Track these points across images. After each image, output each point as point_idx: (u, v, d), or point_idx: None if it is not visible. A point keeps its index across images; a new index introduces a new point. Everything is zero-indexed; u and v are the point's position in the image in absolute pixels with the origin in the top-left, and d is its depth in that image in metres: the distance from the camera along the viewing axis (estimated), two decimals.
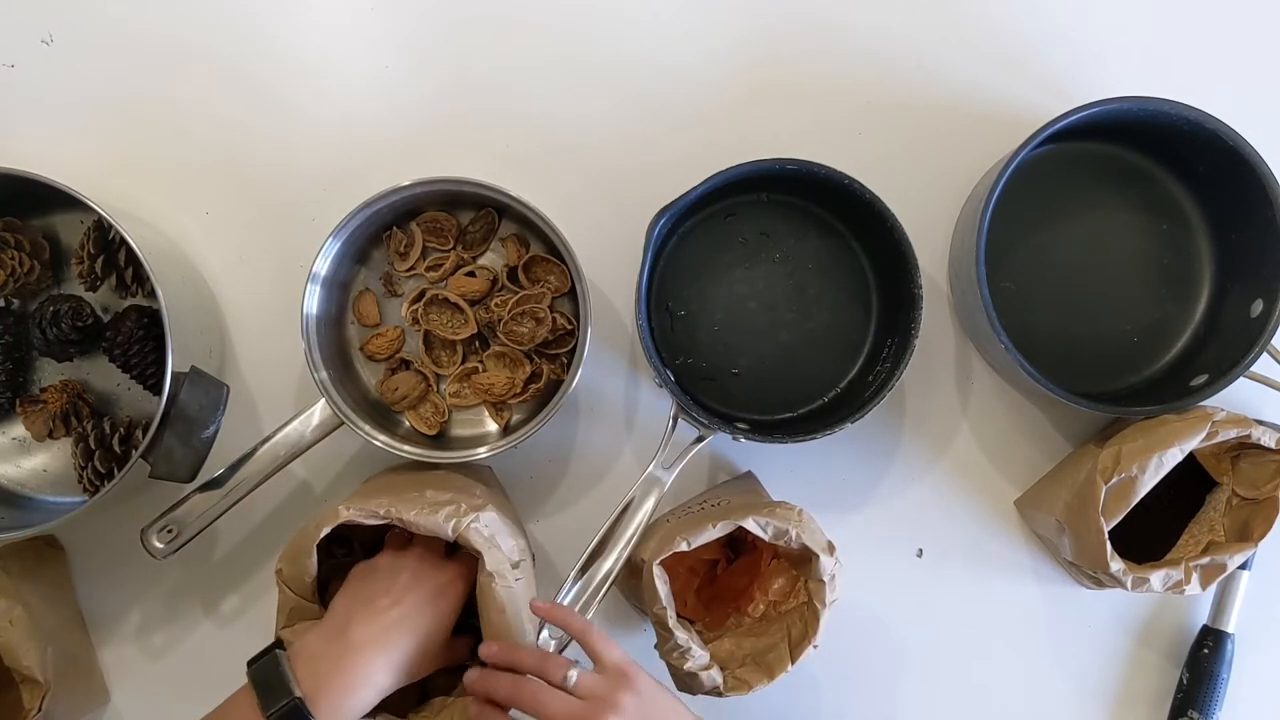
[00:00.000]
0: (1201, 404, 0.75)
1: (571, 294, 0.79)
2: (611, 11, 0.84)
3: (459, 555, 0.70)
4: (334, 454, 0.83)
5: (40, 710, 0.71)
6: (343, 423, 0.74)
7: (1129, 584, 0.73)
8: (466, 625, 0.70)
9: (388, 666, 0.62)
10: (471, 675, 0.64)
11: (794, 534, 0.68)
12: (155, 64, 0.83)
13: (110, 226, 0.72)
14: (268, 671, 0.60)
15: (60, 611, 0.80)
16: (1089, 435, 0.84)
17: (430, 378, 0.80)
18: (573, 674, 0.61)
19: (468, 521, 0.66)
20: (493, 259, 0.82)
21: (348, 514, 0.65)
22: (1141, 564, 0.74)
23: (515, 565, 0.69)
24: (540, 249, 0.81)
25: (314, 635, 0.63)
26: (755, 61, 0.84)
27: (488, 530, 0.67)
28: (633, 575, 0.74)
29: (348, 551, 0.75)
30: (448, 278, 0.80)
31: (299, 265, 0.76)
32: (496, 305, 0.79)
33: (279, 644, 0.63)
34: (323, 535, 0.65)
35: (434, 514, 0.66)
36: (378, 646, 0.62)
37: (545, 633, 0.71)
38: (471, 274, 0.80)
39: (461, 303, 0.79)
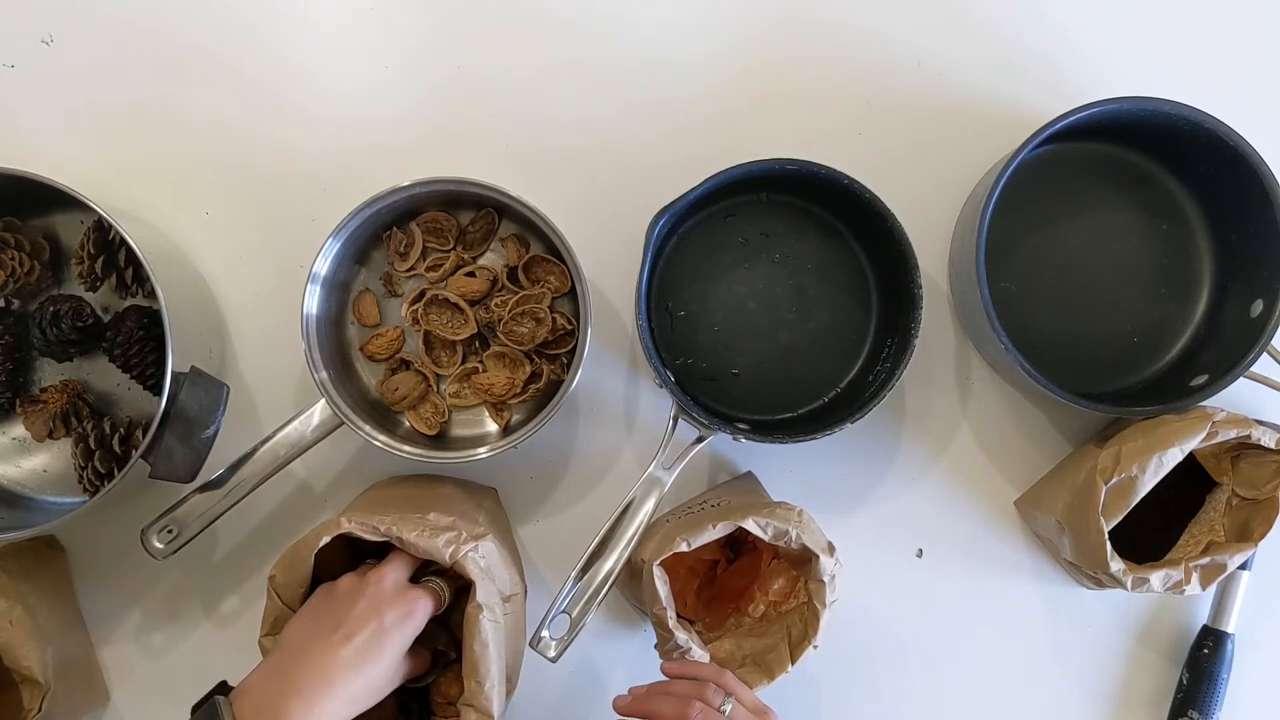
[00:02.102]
0: (1201, 404, 0.75)
1: (571, 294, 0.79)
2: (612, 12, 0.84)
3: (424, 583, 0.68)
4: (334, 454, 0.83)
5: (40, 710, 0.71)
6: (343, 423, 0.74)
7: (1129, 584, 0.73)
8: (433, 636, 0.70)
9: (334, 707, 0.59)
10: (623, 699, 0.65)
11: (794, 534, 0.68)
12: (155, 64, 0.83)
13: (110, 226, 0.72)
14: (213, 716, 0.57)
15: (60, 611, 0.80)
16: (1089, 435, 0.84)
17: (430, 378, 0.80)
18: (729, 705, 0.62)
19: (466, 550, 0.66)
20: (493, 259, 0.82)
21: (348, 526, 0.65)
22: (1141, 564, 0.74)
23: (507, 599, 0.69)
24: (540, 249, 0.81)
25: (260, 673, 0.61)
26: (756, 62, 0.84)
27: (484, 561, 0.67)
28: (633, 575, 0.74)
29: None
30: (448, 278, 0.80)
31: (299, 265, 0.76)
32: (496, 305, 0.79)
33: (221, 688, 0.60)
34: (321, 545, 0.65)
35: (434, 538, 0.66)
36: (324, 689, 0.59)
37: (546, 633, 0.71)
38: (471, 274, 0.80)
39: (461, 303, 0.79)
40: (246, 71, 0.83)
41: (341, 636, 0.61)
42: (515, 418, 0.81)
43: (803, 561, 0.71)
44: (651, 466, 0.74)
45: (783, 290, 0.82)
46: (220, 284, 0.83)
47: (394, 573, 0.65)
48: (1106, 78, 0.84)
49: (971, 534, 0.85)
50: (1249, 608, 0.82)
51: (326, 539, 0.65)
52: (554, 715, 0.84)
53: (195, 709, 0.59)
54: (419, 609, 0.64)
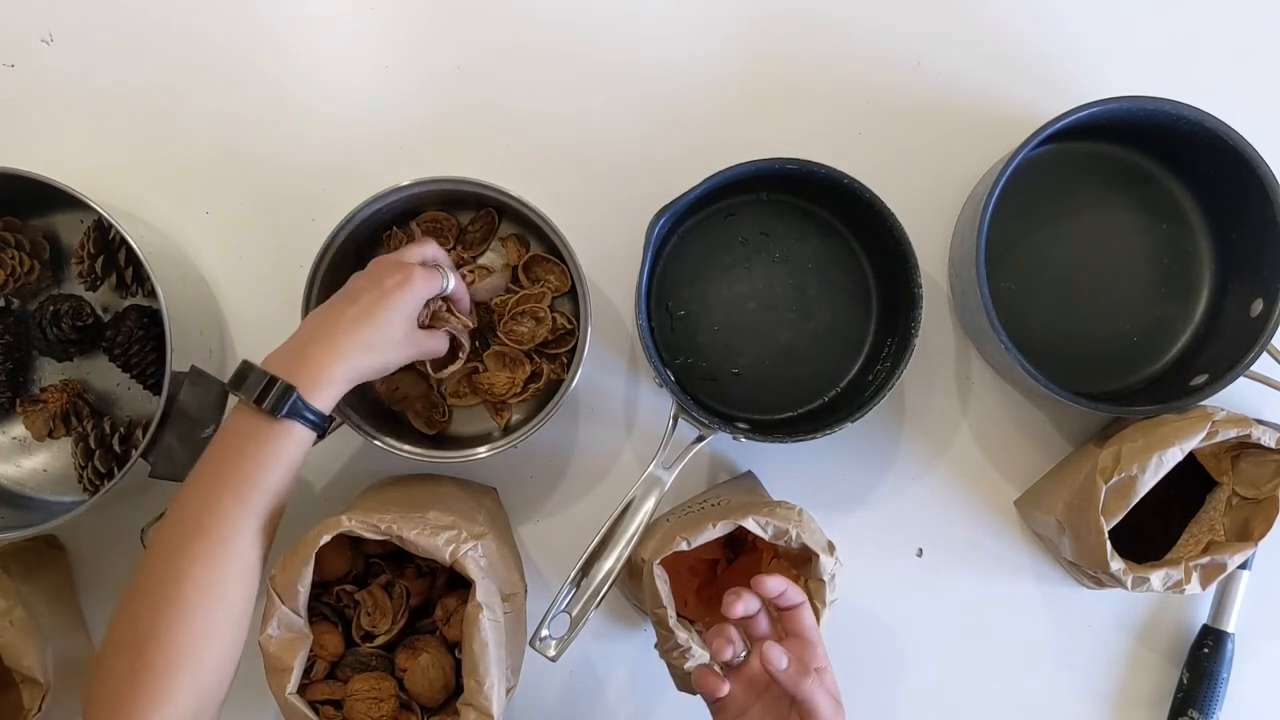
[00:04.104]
0: (1201, 404, 0.75)
1: (572, 294, 0.79)
2: (613, 11, 0.84)
3: (421, 263, 0.71)
4: (334, 454, 0.83)
5: (40, 710, 0.71)
6: (343, 423, 0.74)
7: (1129, 584, 0.73)
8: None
9: (353, 352, 0.65)
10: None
11: (794, 534, 0.68)
12: (155, 64, 0.83)
13: (110, 226, 0.72)
14: (244, 375, 0.63)
15: (60, 612, 0.80)
16: (1089, 435, 0.84)
17: (431, 378, 0.80)
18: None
19: (466, 549, 0.66)
20: (493, 259, 0.82)
21: (349, 524, 0.65)
22: (1141, 564, 0.74)
23: (506, 598, 0.69)
24: (540, 249, 0.81)
25: (281, 346, 0.66)
26: (756, 61, 0.84)
27: (484, 560, 0.68)
28: (633, 575, 0.74)
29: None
30: None
31: (299, 265, 0.76)
32: (496, 305, 0.79)
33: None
34: (322, 544, 0.65)
35: (434, 537, 0.66)
36: (340, 335, 0.65)
37: (547, 632, 0.71)
38: (471, 273, 0.80)
39: None
40: (246, 71, 0.83)
41: (347, 301, 0.67)
42: (515, 418, 0.81)
43: (803, 561, 0.71)
44: (651, 466, 0.74)
45: (783, 290, 0.82)
46: (220, 284, 0.84)
47: (398, 253, 0.71)
48: (1106, 78, 0.84)
49: (971, 534, 0.85)
50: (1249, 607, 0.82)
51: (327, 538, 0.65)
52: (554, 715, 0.84)
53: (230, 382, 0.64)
54: (415, 278, 0.68)
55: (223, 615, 0.60)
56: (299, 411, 0.62)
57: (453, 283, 0.72)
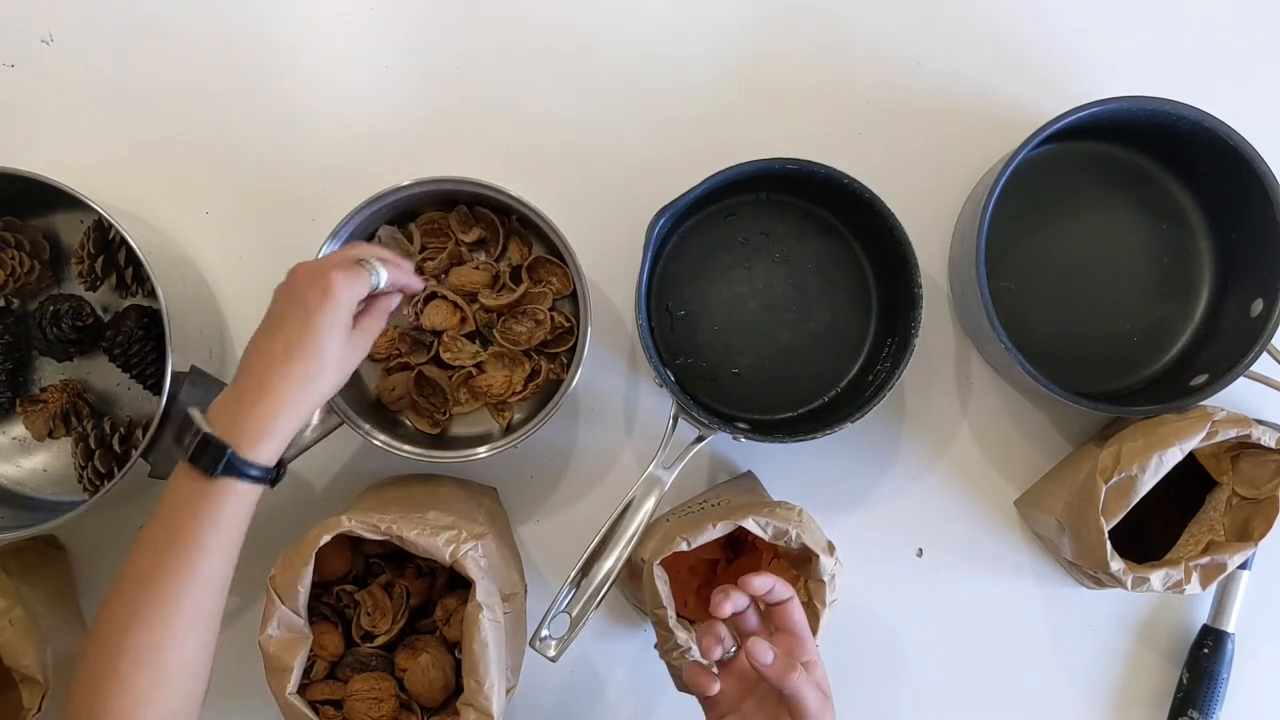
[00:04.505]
0: (1201, 404, 0.75)
1: (572, 294, 0.79)
2: (613, 10, 0.84)
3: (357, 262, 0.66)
4: (334, 454, 0.83)
5: (40, 710, 0.71)
6: (343, 423, 0.74)
7: (1129, 584, 0.73)
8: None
9: (290, 391, 0.61)
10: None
11: (794, 534, 0.68)
12: (156, 64, 0.83)
13: (110, 226, 0.73)
14: (184, 431, 0.61)
15: (60, 612, 0.80)
16: (1089, 435, 0.84)
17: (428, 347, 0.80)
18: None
19: (466, 549, 0.66)
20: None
21: (349, 524, 0.65)
22: (1141, 564, 0.74)
23: (506, 598, 0.69)
24: (541, 249, 0.81)
25: (224, 394, 0.63)
26: (756, 61, 0.84)
27: (484, 560, 0.68)
28: (633, 575, 0.74)
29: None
30: (446, 270, 0.80)
31: None
32: (495, 305, 0.78)
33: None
34: (322, 544, 0.65)
35: (434, 537, 0.66)
36: (275, 379, 0.61)
37: (547, 632, 0.71)
38: (475, 266, 0.79)
39: (460, 301, 0.79)
40: (246, 71, 0.83)
41: (271, 332, 0.63)
42: (515, 417, 0.81)
43: (803, 561, 0.71)
44: (651, 466, 0.74)
45: (783, 290, 0.82)
46: (220, 284, 0.83)
47: (317, 259, 0.68)
48: (1106, 78, 0.84)
49: (971, 534, 0.85)
50: (1249, 607, 0.82)
51: (327, 538, 0.65)
52: (554, 715, 0.84)
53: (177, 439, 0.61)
54: (335, 285, 0.62)
55: (163, 673, 0.58)
56: (236, 469, 0.59)
57: (384, 275, 0.66)
